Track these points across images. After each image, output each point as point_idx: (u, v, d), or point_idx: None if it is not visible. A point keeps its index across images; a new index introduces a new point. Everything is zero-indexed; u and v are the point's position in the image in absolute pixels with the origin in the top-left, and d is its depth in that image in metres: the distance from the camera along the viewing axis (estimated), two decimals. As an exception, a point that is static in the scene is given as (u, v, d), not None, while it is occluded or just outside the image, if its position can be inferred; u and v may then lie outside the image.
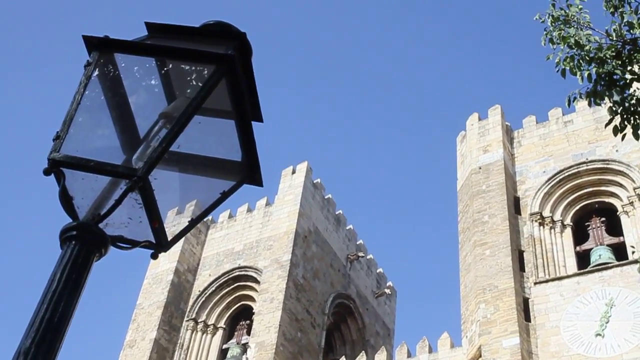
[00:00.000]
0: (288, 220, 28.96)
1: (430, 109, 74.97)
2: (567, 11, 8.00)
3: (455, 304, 26.76)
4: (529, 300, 22.59)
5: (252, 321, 26.97)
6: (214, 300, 29.22)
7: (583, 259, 24.02)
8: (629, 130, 7.88)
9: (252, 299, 28.44)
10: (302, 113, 74.74)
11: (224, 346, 28.13)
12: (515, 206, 25.32)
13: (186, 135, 2.61)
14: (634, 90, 7.95)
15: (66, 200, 2.56)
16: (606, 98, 7.91)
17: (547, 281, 22.87)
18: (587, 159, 25.42)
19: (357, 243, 32.81)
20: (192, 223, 2.85)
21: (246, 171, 2.78)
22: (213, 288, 29.38)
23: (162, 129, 2.62)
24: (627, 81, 7.78)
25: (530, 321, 21.98)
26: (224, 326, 28.83)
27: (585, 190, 25.33)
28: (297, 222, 28.68)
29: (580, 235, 24.90)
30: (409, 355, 23.28)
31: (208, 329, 28.61)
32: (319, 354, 27.02)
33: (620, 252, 23.48)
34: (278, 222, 29.36)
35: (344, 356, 26.22)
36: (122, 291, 65.99)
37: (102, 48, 2.67)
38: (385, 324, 32.99)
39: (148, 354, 26.98)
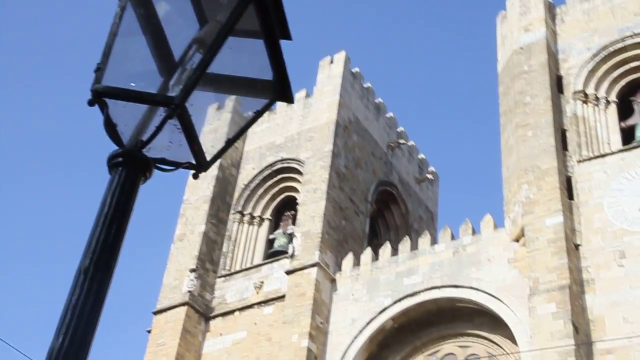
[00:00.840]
0: (328, 111, 28.95)
1: (469, -9, 72.74)
2: None
3: (498, 187, 26.78)
4: (572, 178, 22.53)
5: (296, 211, 27.47)
6: (259, 193, 29.73)
7: (628, 135, 23.73)
8: None
9: (295, 190, 28.87)
10: (341, 2, 73.24)
11: (271, 236, 28.82)
12: (558, 85, 24.88)
13: (219, 57, 2.70)
14: None
15: (110, 128, 2.71)
16: None
17: (590, 159, 22.73)
18: (632, 32, 24.64)
19: (398, 130, 32.74)
20: (229, 142, 2.99)
21: (277, 89, 2.86)
22: (257, 181, 29.83)
23: (195, 53, 2.72)
24: None
25: (573, 199, 21.99)
26: (270, 217, 29.43)
27: (631, 65, 24.73)
28: (337, 112, 28.65)
29: (625, 111, 24.50)
30: (453, 238, 23.60)
31: (254, 221, 29.27)
32: (363, 241, 27.54)
33: (666, 126, 23.11)
34: (318, 113, 29.38)
35: (388, 241, 26.70)
36: (168, 187, 67.35)
37: None
38: (428, 209, 33.31)
39: (198, 247, 27.81)
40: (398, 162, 31.89)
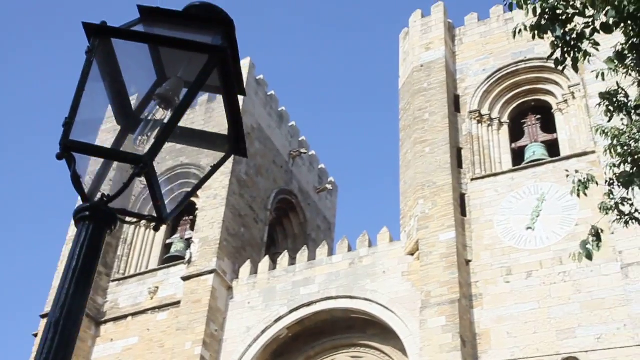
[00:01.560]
0: (230, 117, 28.89)
1: (373, 5, 74.13)
2: None
3: (395, 200, 27.47)
4: (466, 195, 23.39)
5: (195, 217, 27.29)
6: (157, 197, 29.37)
7: (518, 156, 24.81)
8: (569, 62, 8.22)
9: (195, 195, 28.66)
10: (246, 8, 73.09)
11: (168, 241, 28.50)
12: (455, 104, 25.77)
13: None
14: (575, 25, 8.21)
15: (78, 182, 2.81)
16: (549, 32, 8.20)
17: (483, 177, 23.65)
18: (525, 57, 25.81)
19: (300, 139, 33.05)
20: (187, 196, 3.07)
21: (232, 143, 3.04)
22: (164, 178, 29.42)
23: (157, 108, 2.86)
24: (569, 16, 8.03)
25: (466, 216, 22.84)
26: (169, 222, 29.11)
27: (523, 88, 25.87)
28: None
29: (516, 133, 25.61)
30: (349, 249, 24.04)
31: (151, 225, 28.85)
32: (261, 248, 27.65)
33: (553, 148, 24.32)
34: (220, 118, 29.21)
35: (286, 250, 26.91)
36: (64, 186, 65.41)
37: (100, 35, 2.84)
38: (327, 219, 33.77)
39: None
40: (299, 171, 32.19)
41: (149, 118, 2.86)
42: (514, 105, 25.92)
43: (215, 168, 3.04)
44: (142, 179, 2.83)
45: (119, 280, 27.21)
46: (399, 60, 28.70)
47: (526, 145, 24.78)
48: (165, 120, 2.84)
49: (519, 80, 25.88)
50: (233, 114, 3.03)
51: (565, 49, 8.03)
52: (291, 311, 23.43)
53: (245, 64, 30.40)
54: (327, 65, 74.84)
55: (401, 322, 21.60)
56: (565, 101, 24.51)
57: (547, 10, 7.97)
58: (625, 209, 10.03)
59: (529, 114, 25.74)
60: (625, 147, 9.30)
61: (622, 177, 9.39)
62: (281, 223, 31.13)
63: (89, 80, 2.85)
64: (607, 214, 10.02)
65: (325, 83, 75.07)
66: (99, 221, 2.85)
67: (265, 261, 25.31)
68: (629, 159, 9.31)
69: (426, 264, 21.48)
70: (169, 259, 27.37)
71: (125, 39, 2.85)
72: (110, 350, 25.60)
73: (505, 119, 25.68)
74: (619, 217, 10.04)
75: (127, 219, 2.94)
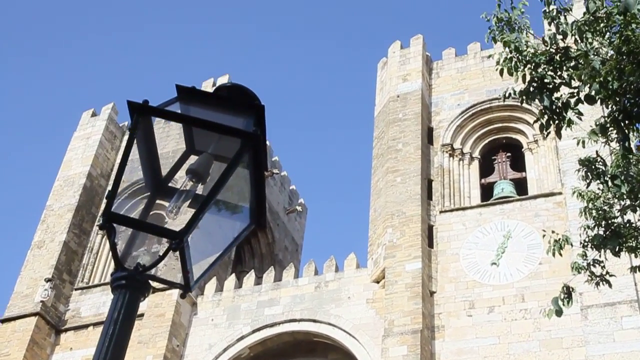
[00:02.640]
0: (206, 133, 29.01)
1: (354, 31, 74.87)
2: (510, 14, 8.56)
3: (364, 227, 27.72)
4: (434, 227, 23.77)
5: (163, 230, 27.27)
6: (126, 207, 29.26)
7: (487, 191, 25.29)
8: (552, 129, 8.63)
9: (163, 207, 28.65)
10: (228, 25, 73.35)
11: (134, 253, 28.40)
12: (428, 136, 26.21)
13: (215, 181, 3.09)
14: (561, 95, 8.63)
15: (115, 252, 3.08)
16: (537, 100, 8.62)
17: (452, 210, 24.06)
18: (499, 95, 26.35)
19: (272, 159, 33.24)
20: (212, 265, 3.30)
21: (254, 216, 3.25)
22: (125, 195, 29.32)
23: (188, 182, 3.09)
24: (556, 85, 8.45)
25: (433, 247, 23.20)
26: (136, 234, 29.04)
27: (495, 126, 26.41)
28: (215, 135, 28.77)
29: (486, 168, 26.11)
30: (316, 273, 24.23)
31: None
32: (228, 266, 27.68)
33: (521, 187, 24.85)
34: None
35: (252, 269, 27.00)
36: (30, 192, 64.70)
37: (142, 112, 3.10)
38: (295, 240, 33.93)
39: (57, 256, 27.03)
40: (269, 190, 32.35)
41: (181, 190, 3.08)
42: (486, 142, 26.45)
43: (236, 240, 3.27)
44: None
45: (82, 289, 27.04)
46: (376, 88, 29.12)
47: (495, 182, 25.28)
48: (200, 198, 3.08)
49: (492, 118, 26.43)
50: (258, 192, 3.23)
51: (551, 116, 8.43)
52: (254, 331, 23.51)
53: (223, 81, 30.58)
54: (304, 87, 75.33)
55: (363, 349, 21.80)
56: (536, 141, 25.09)
57: (536, 78, 8.37)
58: (597, 270, 10.54)
59: (500, 151, 26.29)
60: (600, 212, 9.76)
61: (595, 239, 9.86)
62: (249, 242, 31.20)
63: (132, 155, 3.18)
64: (579, 272, 10.47)
65: (302, 105, 75.55)
66: (134, 289, 3.09)
67: (232, 279, 25.38)
68: (603, 223, 9.77)
69: (391, 293, 21.75)
70: (134, 270, 27.27)
71: (165, 118, 3.15)
72: (69, 359, 25.39)
73: (476, 154, 26.18)
74: (590, 278, 10.53)
75: (156, 284, 3.18)
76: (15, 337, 25.35)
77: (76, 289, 27.08)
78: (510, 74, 8.88)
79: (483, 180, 25.58)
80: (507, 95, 9.30)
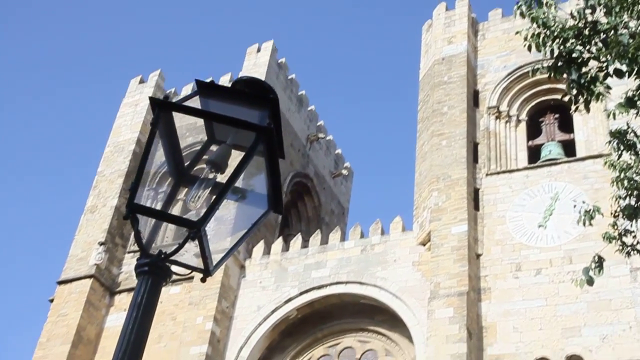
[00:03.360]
0: (252, 98, 29.24)
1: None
2: None
3: (409, 190, 27.72)
4: (480, 190, 23.72)
5: (211, 194, 27.73)
6: (175, 172, 29.81)
7: (534, 154, 25.08)
8: (581, 103, 8.67)
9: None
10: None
11: (185, 216, 28.93)
12: (474, 99, 26.03)
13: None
14: (590, 69, 8.61)
15: (140, 240, 3.29)
16: (565, 74, 8.63)
17: (498, 173, 23.96)
18: (546, 56, 25.98)
19: (318, 124, 33.39)
20: (231, 250, 3.50)
21: (272, 203, 3.47)
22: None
23: (209, 173, 3.33)
24: (584, 59, 8.43)
25: (478, 210, 23.19)
26: (184, 198, 29.53)
27: (542, 87, 26.04)
28: (261, 100, 28.98)
29: (533, 131, 25.85)
30: (362, 236, 24.45)
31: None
32: (275, 230, 28.07)
33: (569, 148, 24.57)
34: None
35: (299, 233, 27.33)
36: (83, 158, 66.04)
37: (163, 108, 3.31)
38: (341, 204, 34.17)
39: (109, 220, 27.72)
40: (315, 155, 32.57)
41: (201, 179, 3.28)
42: (533, 103, 26.15)
43: (255, 225, 3.49)
44: None
45: (134, 252, 27.70)
46: (421, 51, 28.93)
47: (543, 144, 25.04)
48: (217, 188, 3.32)
49: (539, 79, 26.01)
50: (274, 180, 3.44)
51: (579, 90, 8.45)
52: (301, 293, 23.90)
53: (267, 47, 30.70)
54: (349, 52, 74.98)
55: (409, 310, 22.03)
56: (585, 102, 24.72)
57: (564, 53, 8.36)
58: (628, 240, 10.56)
59: (548, 113, 25.97)
60: (632, 182, 9.77)
61: (626, 209, 9.88)
62: (295, 205, 31.56)
63: (153, 148, 3.39)
64: (610, 242, 10.52)
65: (347, 69, 75.27)
66: (156, 275, 3.33)
67: (279, 242, 25.76)
68: (635, 193, 9.78)
69: (437, 255, 21.87)
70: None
71: (185, 113, 3.36)
72: (123, 320, 26.15)
73: (523, 116, 25.93)
74: (621, 248, 10.57)
75: (178, 270, 3.41)
76: (72, 298, 26.19)
77: (128, 252, 27.79)
78: (539, 50, 8.90)
79: (530, 143, 25.36)
80: (535, 70, 9.33)
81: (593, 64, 8.71)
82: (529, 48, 9.17)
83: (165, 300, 25.87)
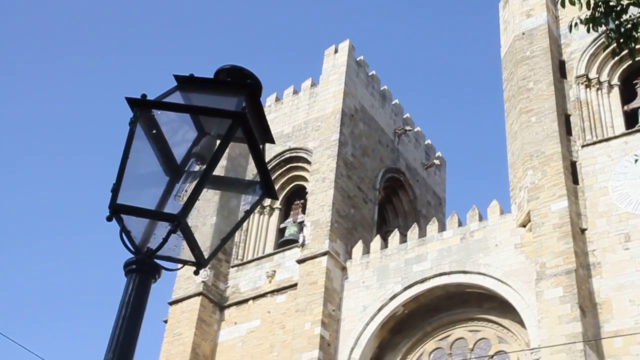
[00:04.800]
0: (334, 100, 29.29)
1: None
2: None
3: (504, 172, 26.97)
4: (577, 163, 22.89)
5: (306, 200, 27.91)
6: (268, 183, 30.15)
7: (631, 118, 24.00)
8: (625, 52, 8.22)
9: (305, 179, 29.29)
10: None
11: (281, 225, 29.29)
12: (560, 70, 25.16)
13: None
14: (630, 16, 8.14)
15: (125, 239, 3.25)
16: (603, 25, 8.19)
17: (594, 143, 23.06)
18: (634, 14, 24.84)
19: (404, 117, 33.08)
20: (224, 240, 3.47)
21: (264, 188, 3.45)
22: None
23: (195, 165, 3.30)
24: (623, 7, 7.98)
25: (578, 184, 22.37)
26: (280, 206, 29.88)
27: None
28: (343, 101, 28.99)
29: (627, 95, 24.75)
30: (460, 224, 24.02)
31: (265, 210, 29.71)
32: (372, 228, 27.99)
33: (669, 108, 23.39)
34: (324, 102, 29.74)
35: (396, 228, 27.13)
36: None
37: (141, 107, 3.30)
38: (436, 194, 33.71)
39: (210, 238, 28.30)
40: (405, 148, 32.27)
41: (188, 172, 3.25)
42: (624, 66, 25.00)
43: (248, 213, 3.50)
44: None
45: (238, 265, 28.23)
46: (500, 29, 28.20)
47: (639, 107, 23.94)
48: (196, 180, 3.30)
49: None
50: (260, 165, 3.42)
51: (621, 40, 8.02)
52: (405, 288, 23.70)
53: (344, 47, 30.67)
54: (426, 41, 74.10)
55: (517, 294, 21.47)
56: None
57: (600, 3, 7.95)
58: None
59: (641, 74, 24.81)
60: None
61: None
62: (391, 201, 31.35)
63: (139, 147, 3.31)
64: None
65: (426, 58, 74.41)
66: (144, 273, 3.27)
67: (377, 240, 25.65)
68: None
69: (539, 235, 21.23)
70: (283, 242, 28.15)
71: (161, 109, 3.31)
72: (235, 333, 26.66)
73: (615, 81, 24.86)
74: None
75: (171, 265, 3.36)
76: (184, 317, 26.89)
77: (232, 267, 28.30)
78: (572, 4, 8.48)
79: (626, 107, 24.29)
80: (573, 25, 8.89)
81: (633, 11, 8.27)
82: (562, 4, 8.79)
83: (273, 309, 26.22)
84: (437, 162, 33.83)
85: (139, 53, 71.62)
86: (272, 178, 29.88)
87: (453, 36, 73.61)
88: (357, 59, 31.07)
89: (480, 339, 23.06)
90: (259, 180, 3.44)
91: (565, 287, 19.82)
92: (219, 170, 3.44)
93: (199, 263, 3.38)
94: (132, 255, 3.28)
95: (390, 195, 31.16)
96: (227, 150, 3.34)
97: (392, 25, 74.18)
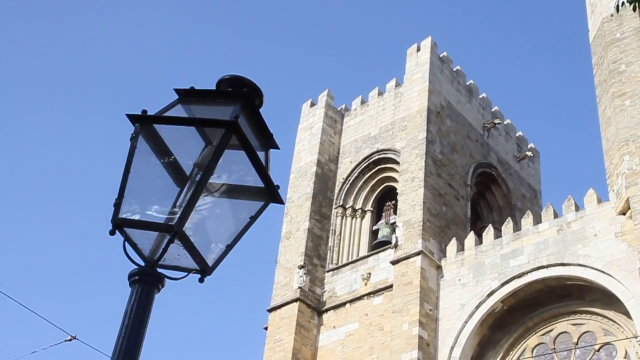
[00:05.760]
0: (419, 98, 29.09)
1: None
2: None
3: (600, 159, 26.10)
4: (677, 145, 21.90)
5: (397, 201, 27.80)
6: (358, 185, 30.24)
7: None
8: None
9: (394, 179, 29.19)
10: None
11: (374, 227, 29.28)
12: (653, 49, 24.15)
13: (219, 167, 3.35)
14: None
15: (130, 251, 3.35)
16: None
17: (694, 123, 22.01)
18: None
19: (493, 110, 32.49)
20: (229, 247, 3.52)
21: (268, 194, 3.48)
22: (356, 174, 30.33)
23: (196, 176, 3.35)
24: None
25: (679, 166, 21.40)
26: (371, 209, 29.88)
27: None
28: (428, 99, 28.75)
29: None
30: (555, 216, 23.38)
31: (357, 213, 29.79)
32: (466, 225, 27.58)
33: None
34: (409, 101, 29.57)
35: (490, 224, 26.65)
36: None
37: (141, 122, 3.42)
38: (531, 186, 32.92)
39: (304, 243, 28.60)
40: (495, 142, 31.69)
41: (190, 183, 3.38)
42: None
43: (254, 218, 3.50)
44: None
45: (333, 270, 28.38)
46: (587, 12, 27.33)
47: None
48: (210, 187, 3.35)
49: None
50: (259, 170, 3.44)
51: None
52: (503, 284, 23.25)
53: (426, 44, 30.44)
54: (509, 30, 72.54)
55: (620, 284, 20.71)
56: None
57: None
58: None
59: None
60: None
61: None
62: (484, 197, 30.82)
63: (141, 160, 3.40)
64: None
65: (511, 48, 72.82)
66: (145, 283, 3.34)
67: (471, 237, 25.27)
68: None
69: (640, 222, 20.41)
70: (377, 244, 28.12)
71: (161, 123, 3.41)
72: (334, 337, 26.80)
73: None
74: None
75: (175, 274, 3.44)
76: (283, 323, 27.24)
77: (328, 271, 28.47)
78: None
79: None
80: (620, 5, 8.51)
81: None
82: None
83: (370, 311, 26.21)
84: (529, 153, 33.04)
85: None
86: (363, 180, 30.31)
87: (538, 23, 71.82)
88: (441, 55, 30.76)
89: (585, 332, 22.35)
90: (264, 187, 3.50)
91: (671, 275, 18.98)
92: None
93: (204, 271, 3.44)
94: (135, 267, 3.39)
95: (483, 191, 30.64)
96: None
97: (474, 18, 73.06)
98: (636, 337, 20.01)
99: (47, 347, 17.43)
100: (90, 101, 68.87)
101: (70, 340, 16.52)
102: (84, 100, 67.49)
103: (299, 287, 27.55)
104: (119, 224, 3.34)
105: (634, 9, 8.25)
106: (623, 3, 8.54)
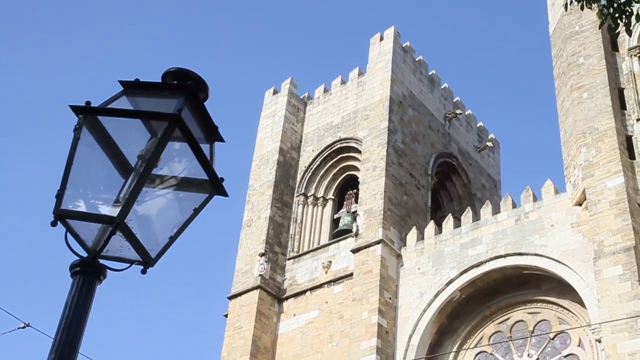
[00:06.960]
0: (381, 88, 29.18)
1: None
2: None
3: (558, 150, 26.41)
4: (633, 137, 22.32)
5: (359, 190, 27.90)
6: (320, 174, 30.27)
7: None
8: (621, 28, 7.98)
9: (356, 168, 29.28)
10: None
11: (335, 216, 29.36)
12: (612, 43, 24.53)
13: (163, 161, 3.35)
14: None
15: (71, 242, 3.34)
16: (594, 2, 7.99)
17: (650, 116, 22.41)
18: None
19: (454, 101, 32.73)
20: (172, 239, 3.51)
21: (212, 185, 3.48)
22: (318, 162, 30.35)
23: (140, 168, 3.34)
24: None
25: (635, 159, 21.82)
26: (333, 197, 29.96)
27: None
28: (391, 88, 28.85)
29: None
30: (514, 206, 23.70)
31: (318, 202, 29.84)
32: (426, 214, 27.81)
33: None
34: (372, 91, 29.65)
35: (450, 213, 26.90)
36: (234, 174, 68.64)
37: (85, 113, 3.39)
38: (491, 176, 33.29)
39: (265, 231, 28.59)
40: (456, 132, 31.95)
41: (133, 174, 3.37)
42: (678, 35, 24.25)
43: (198, 210, 3.52)
44: None
45: (294, 258, 28.42)
46: (547, 4, 27.64)
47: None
48: (134, 181, 3.33)
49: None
50: (203, 163, 3.45)
51: (616, 15, 7.79)
52: (461, 273, 23.52)
53: (389, 34, 30.51)
54: (472, 22, 73.06)
55: (575, 274, 21.10)
56: None
57: None
58: None
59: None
60: None
61: None
62: (445, 187, 31.10)
63: (85, 152, 3.38)
64: None
65: (472, 40, 73.39)
66: (88, 274, 3.34)
67: (431, 226, 25.49)
68: None
69: (595, 213, 20.79)
70: (338, 233, 28.21)
71: (104, 115, 3.40)
72: (294, 325, 26.88)
73: (670, 50, 24.11)
74: None
75: (117, 265, 3.44)
76: (243, 311, 27.22)
77: (288, 259, 28.51)
78: None
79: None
80: (568, 3, 8.67)
81: None
82: None
83: (330, 299, 26.33)
84: (489, 144, 33.40)
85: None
86: (325, 169, 30.34)
87: (499, 15, 72.45)
88: (403, 45, 30.86)
89: (540, 321, 22.75)
90: (208, 179, 3.51)
91: (624, 265, 19.39)
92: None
93: (146, 262, 3.44)
94: (77, 258, 3.38)
95: (443, 181, 30.91)
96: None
97: (436, 8, 73.44)
98: (589, 325, 20.41)
99: (0, 334, 17.20)
100: (31, 91, 67.84)
101: (23, 327, 16.34)
102: (25, 91, 66.37)
103: (260, 275, 27.55)
104: (61, 215, 3.31)
105: (582, 8, 8.36)
106: (571, 1, 8.66)
